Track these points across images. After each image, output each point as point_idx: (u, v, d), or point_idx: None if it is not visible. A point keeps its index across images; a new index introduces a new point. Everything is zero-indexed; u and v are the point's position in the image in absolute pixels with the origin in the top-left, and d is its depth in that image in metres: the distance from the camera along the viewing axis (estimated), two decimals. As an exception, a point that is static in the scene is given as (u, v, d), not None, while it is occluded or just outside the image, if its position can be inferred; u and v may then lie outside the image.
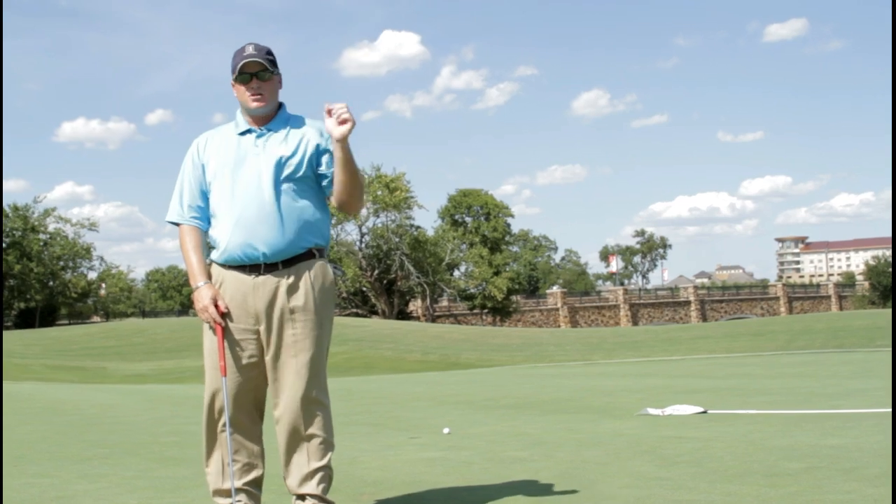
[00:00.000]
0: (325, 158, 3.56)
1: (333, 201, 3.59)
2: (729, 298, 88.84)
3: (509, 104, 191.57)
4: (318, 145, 3.55)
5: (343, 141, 3.39)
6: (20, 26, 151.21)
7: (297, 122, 3.62)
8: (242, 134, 3.59)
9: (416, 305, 70.88)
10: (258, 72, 3.53)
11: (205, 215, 3.61)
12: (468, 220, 77.26)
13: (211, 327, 3.52)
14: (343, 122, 3.37)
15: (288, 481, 3.57)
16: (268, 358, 3.53)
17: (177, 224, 3.62)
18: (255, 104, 3.54)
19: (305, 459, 3.52)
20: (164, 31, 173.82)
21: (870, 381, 10.20)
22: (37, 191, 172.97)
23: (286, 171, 3.51)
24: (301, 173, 3.53)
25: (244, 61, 3.51)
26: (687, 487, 4.14)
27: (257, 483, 3.64)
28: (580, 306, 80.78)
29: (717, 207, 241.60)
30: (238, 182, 3.51)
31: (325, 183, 3.57)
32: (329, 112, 3.40)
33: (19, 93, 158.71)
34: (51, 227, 65.47)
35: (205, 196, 3.60)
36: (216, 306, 3.48)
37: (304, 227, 3.52)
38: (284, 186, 3.50)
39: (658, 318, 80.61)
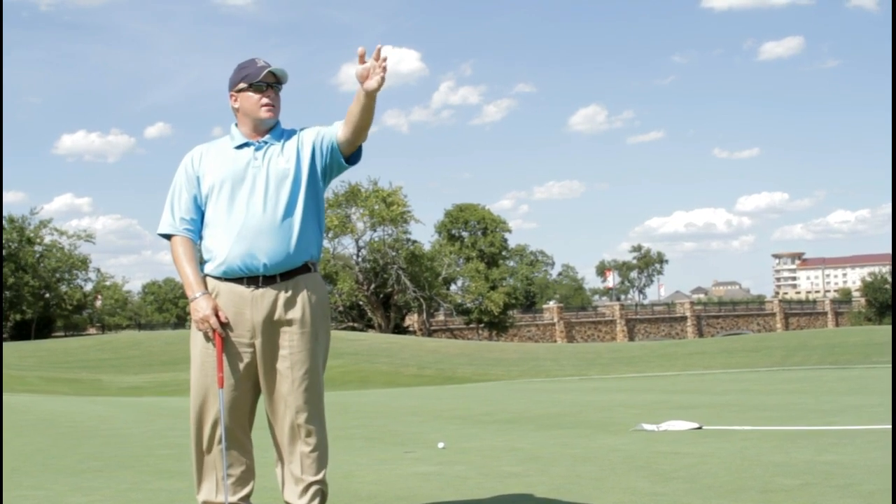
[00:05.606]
0: (317, 139, 3.57)
1: (345, 144, 3.54)
2: (725, 314, 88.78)
3: (507, 120, 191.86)
4: (313, 143, 3.57)
5: (372, 94, 3.38)
6: (22, 39, 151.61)
7: (290, 134, 3.64)
8: (239, 147, 3.59)
9: (412, 320, 70.78)
10: (274, 83, 3.57)
11: (197, 228, 3.60)
12: (465, 234, 77.23)
13: (209, 338, 3.51)
14: (376, 75, 3.34)
15: (283, 492, 3.57)
16: (263, 370, 3.52)
17: (168, 237, 3.61)
18: (267, 114, 3.56)
19: (299, 471, 3.52)
20: (164, 44, 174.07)
21: (866, 397, 10.20)
22: (35, 203, 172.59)
23: (286, 184, 3.51)
24: (303, 186, 3.53)
25: (268, 69, 3.54)
26: (681, 503, 4.14)
27: (249, 497, 3.63)
28: (576, 321, 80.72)
29: (713, 223, 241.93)
30: (238, 195, 3.51)
31: (331, 149, 3.56)
32: (362, 58, 3.35)
33: (20, 105, 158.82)
34: (47, 239, 65.41)
35: (198, 209, 3.60)
36: (216, 316, 3.48)
37: (302, 240, 3.51)
38: (284, 199, 3.49)
39: (654, 334, 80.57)
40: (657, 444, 6.38)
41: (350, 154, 3.59)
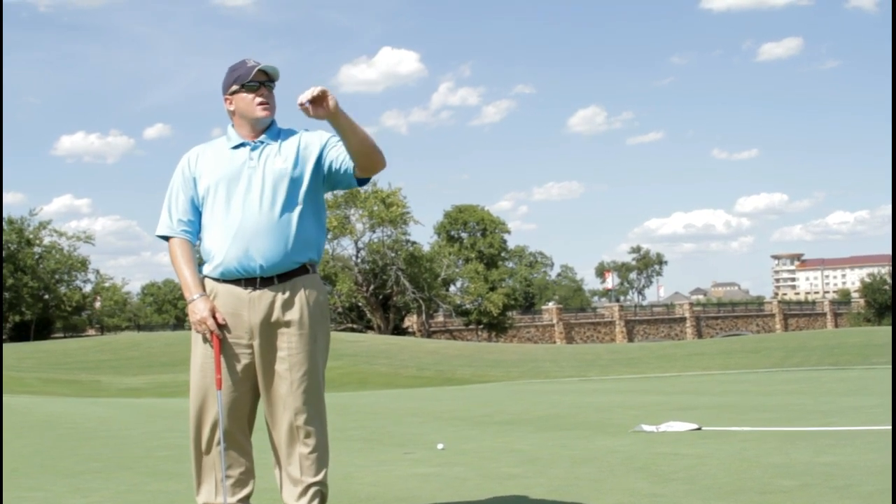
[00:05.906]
0: (330, 153, 3.52)
1: (357, 170, 3.48)
2: (724, 315, 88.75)
3: (506, 121, 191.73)
4: (321, 148, 3.54)
5: (335, 115, 3.28)
6: (21, 39, 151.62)
7: (288, 134, 3.61)
8: (236, 148, 3.58)
9: (411, 321, 70.78)
10: (266, 81, 3.55)
11: (195, 229, 3.60)
12: (464, 235, 77.23)
13: (206, 340, 3.51)
14: (319, 101, 3.25)
15: (282, 494, 3.57)
16: (261, 372, 3.52)
17: (166, 238, 3.60)
18: (263, 112, 3.54)
19: (298, 473, 3.51)
20: (164, 45, 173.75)
21: (865, 398, 10.20)
22: (34, 204, 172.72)
23: (283, 184, 3.49)
24: (302, 186, 3.51)
25: (259, 67, 3.51)
26: (681, 504, 4.14)
27: (249, 499, 3.63)
28: (576, 322, 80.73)
29: (712, 224, 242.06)
30: (234, 196, 3.50)
31: (343, 169, 3.50)
32: (302, 105, 3.27)
33: (19, 106, 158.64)
34: (46, 241, 65.39)
35: (196, 210, 3.60)
36: (214, 318, 3.48)
37: (301, 241, 3.50)
38: (280, 199, 3.48)
39: (653, 335, 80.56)
40: (656, 445, 6.38)
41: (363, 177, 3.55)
